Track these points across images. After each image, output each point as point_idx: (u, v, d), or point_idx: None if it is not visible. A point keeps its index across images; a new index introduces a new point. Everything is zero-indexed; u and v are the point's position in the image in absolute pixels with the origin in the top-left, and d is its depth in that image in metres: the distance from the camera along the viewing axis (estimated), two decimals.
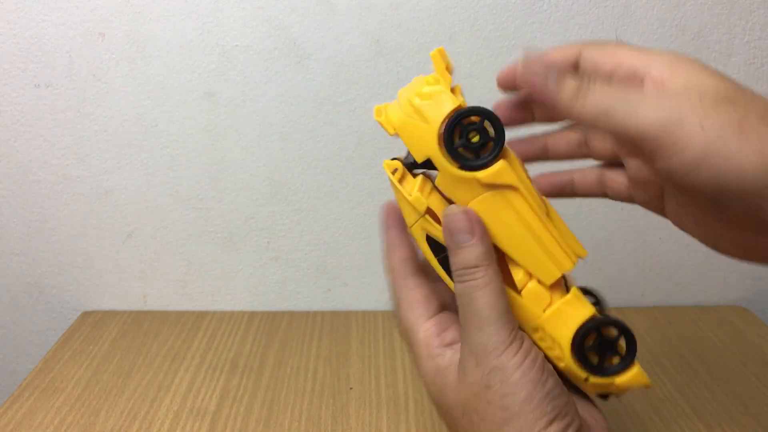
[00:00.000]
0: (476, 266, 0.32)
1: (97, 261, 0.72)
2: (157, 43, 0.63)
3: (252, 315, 0.73)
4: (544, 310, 0.33)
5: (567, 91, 0.30)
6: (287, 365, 0.63)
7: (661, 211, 0.37)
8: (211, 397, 0.58)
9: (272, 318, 0.72)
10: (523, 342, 0.31)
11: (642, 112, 0.28)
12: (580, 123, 0.31)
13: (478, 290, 0.31)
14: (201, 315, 0.73)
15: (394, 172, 0.34)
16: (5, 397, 0.59)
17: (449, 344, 0.34)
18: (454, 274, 0.33)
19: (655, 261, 0.74)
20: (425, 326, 0.34)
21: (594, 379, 0.33)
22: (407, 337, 0.35)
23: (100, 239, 0.71)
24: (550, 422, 0.29)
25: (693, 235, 0.34)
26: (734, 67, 0.66)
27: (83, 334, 0.68)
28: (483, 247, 0.32)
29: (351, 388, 0.59)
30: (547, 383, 0.30)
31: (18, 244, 0.71)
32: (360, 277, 0.73)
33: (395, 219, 0.37)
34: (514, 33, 0.64)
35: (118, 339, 0.68)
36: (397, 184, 0.33)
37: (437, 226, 0.33)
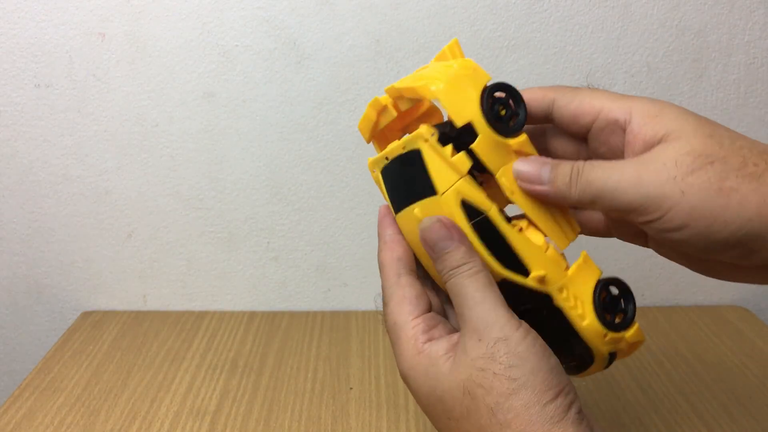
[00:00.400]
0: (461, 265, 0.33)
1: (97, 261, 0.72)
2: (157, 43, 0.63)
3: (252, 315, 0.73)
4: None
5: (560, 185, 0.33)
6: (287, 365, 0.63)
7: (643, 244, 0.38)
8: (211, 397, 0.58)
9: (272, 318, 0.72)
10: (521, 322, 0.32)
11: (629, 192, 0.30)
12: (576, 207, 0.34)
13: (468, 278, 0.32)
14: (201, 315, 0.73)
15: (431, 135, 0.35)
16: (5, 397, 0.59)
17: (437, 339, 0.34)
18: (443, 277, 0.34)
19: (655, 261, 0.74)
20: (413, 323, 0.34)
21: (611, 335, 0.34)
22: (393, 333, 0.35)
23: (100, 239, 0.71)
24: (556, 396, 0.30)
25: (681, 263, 0.36)
26: (734, 67, 0.66)
27: (83, 334, 0.68)
28: (464, 247, 0.33)
29: (351, 388, 0.59)
30: (551, 359, 0.31)
31: (18, 244, 0.71)
32: (360, 277, 0.73)
33: (393, 219, 0.38)
34: (514, 33, 0.64)
35: (118, 339, 0.68)
36: (436, 145, 0.35)
37: (478, 188, 0.34)
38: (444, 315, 0.37)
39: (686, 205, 0.29)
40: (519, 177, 0.34)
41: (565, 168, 0.33)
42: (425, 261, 0.36)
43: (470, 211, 0.34)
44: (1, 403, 0.58)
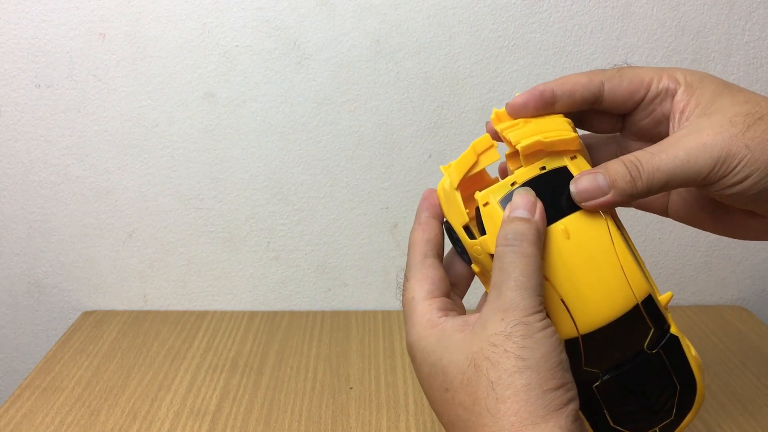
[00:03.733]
0: (525, 238, 0.32)
1: (98, 261, 0.72)
2: (157, 43, 0.63)
3: (252, 315, 0.73)
4: None
5: (624, 186, 0.33)
6: (287, 365, 0.63)
7: (663, 212, 0.38)
8: (212, 396, 0.58)
9: (272, 318, 0.72)
10: (546, 316, 0.32)
11: (699, 160, 0.32)
12: (649, 195, 0.34)
13: (520, 256, 0.32)
14: (201, 315, 0.73)
15: (575, 156, 0.36)
16: (6, 397, 0.59)
17: (453, 317, 0.34)
18: (499, 238, 0.33)
19: (655, 261, 0.74)
20: (431, 300, 0.35)
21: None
22: (409, 307, 0.35)
23: (101, 239, 0.71)
24: (558, 387, 0.30)
25: (705, 228, 0.38)
26: (734, 67, 0.66)
27: (83, 334, 0.68)
28: (536, 228, 0.33)
29: (351, 388, 0.60)
30: (562, 354, 0.31)
31: (18, 244, 0.71)
32: (360, 277, 0.73)
33: (433, 205, 0.38)
34: (514, 33, 0.64)
35: (119, 339, 0.68)
36: (584, 163, 0.36)
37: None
38: (458, 302, 0.38)
39: (752, 157, 0.32)
40: (579, 197, 0.34)
41: (619, 167, 0.33)
42: (558, 275, 0.34)
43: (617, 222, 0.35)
44: (1, 403, 0.58)
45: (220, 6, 0.63)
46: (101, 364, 0.63)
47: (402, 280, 0.37)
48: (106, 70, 0.64)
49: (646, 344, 0.35)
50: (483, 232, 0.35)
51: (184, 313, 0.73)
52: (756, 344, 0.67)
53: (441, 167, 0.38)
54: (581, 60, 0.65)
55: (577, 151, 0.35)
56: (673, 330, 0.35)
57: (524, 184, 0.34)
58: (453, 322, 0.33)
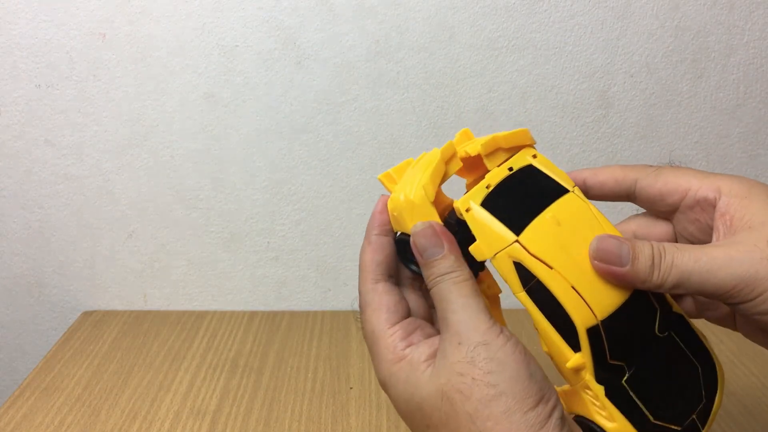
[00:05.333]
0: (448, 272, 0.32)
1: (98, 261, 0.72)
2: (157, 43, 0.63)
3: (252, 315, 0.73)
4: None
5: (642, 267, 0.31)
6: (287, 365, 0.63)
7: (732, 327, 0.37)
8: (212, 396, 0.58)
9: (272, 318, 0.72)
10: (503, 329, 0.31)
11: (719, 274, 0.30)
12: (658, 290, 0.32)
13: (454, 285, 0.32)
14: (201, 315, 0.73)
15: (535, 155, 0.37)
16: (6, 397, 0.59)
17: (417, 344, 0.33)
18: (429, 283, 0.33)
19: None
20: (391, 331, 0.34)
21: None
22: (371, 341, 0.35)
23: (100, 239, 0.71)
24: (537, 403, 0.29)
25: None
26: (734, 67, 0.66)
27: (84, 334, 0.68)
28: (453, 255, 0.33)
29: (351, 388, 0.60)
30: (531, 365, 0.30)
31: (18, 244, 0.71)
32: None
33: (380, 224, 0.36)
34: (514, 33, 0.64)
35: (119, 339, 0.68)
36: (545, 159, 0.36)
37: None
38: (430, 320, 0.37)
39: None
40: (596, 255, 0.32)
41: (646, 249, 0.32)
42: (520, 296, 0.34)
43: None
44: (1, 403, 0.58)
45: (220, 6, 0.63)
46: (101, 364, 0.63)
47: (357, 307, 0.36)
48: (106, 70, 0.64)
49: (656, 328, 0.34)
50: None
51: (184, 313, 0.73)
52: (756, 344, 0.67)
53: (380, 177, 0.37)
54: (581, 60, 0.65)
55: (534, 148, 0.37)
56: (676, 309, 0.35)
57: (498, 185, 0.35)
58: (419, 352, 0.32)
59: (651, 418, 0.33)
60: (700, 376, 0.35)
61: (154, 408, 0.57)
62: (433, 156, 0.36)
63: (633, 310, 0.33)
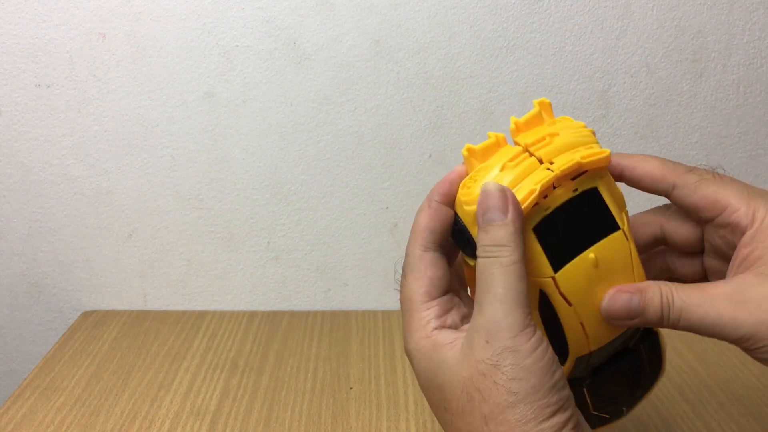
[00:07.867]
0: (504, 245, 0.31)
1: (98, 261, 0.72)
2: (157, 43, 0.63)
3: (252, 315, 0.73)
4: None
5: (650, 317, 0.33)
6: (287, 365, 0.63)
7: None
8: (212, 396, 0.58)
9: (272, 318, 0.72)
10: (536, 330, 0.30)
11: (725, 331, 0.31)
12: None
13: (500, 268, 0.30)
14: (201, 315, 0.73)
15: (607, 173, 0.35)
16: (5, 397, 0.59)
17: (449, 327, 0.33)
18: (479, 249, 0.32)
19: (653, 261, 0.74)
20: (427, 305, 0.33)
21: None
22: (406, 308, 0.34)
23: (100, 239, 0.71)
24: (554, 413, 0.29)
25: None
26: (734, 67, 0.66)
27: (83, 334, 0.68)
28: (513, 228, 0.31)
29: (351, 388, 0.60)
30: (555, 374, 0.30)
31: (18, 244, 0.71)
32: (360, 277, 0.73)
33: (445, 193, 0.35)
34: (514, 33, 0.64)
35: (119, 339, 0.68)
36: (611, 180, 0.35)
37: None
38: (462, 296, 0.37)
39: None
40: (607, 314, 0.33)
41: (655, 297, 0.33)
42: (583, 302, 0.33)
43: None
44: (1, 403, 0.58)
45: (220, 6, 0.63)
46: (101, 364, 0.63)
47: (400, 270, 0.35)
48: (106, 70, 0.64)
49: (632, 343, 0.37)
50: None
51: (184, 313, 0.73)
52: None
53: (465, 148, 0.34)
54: (581, 60, 0.65)
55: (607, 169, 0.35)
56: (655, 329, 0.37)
57: (556, 209, 0.33)
58: (446, 336, 0.32)
59: (591, 408, 0.37)
60: (644, 378, 0.38)
61: (154, 408, 0.57)
62: (544, 174, 0.33)
63: (621, 336, 0.35)
